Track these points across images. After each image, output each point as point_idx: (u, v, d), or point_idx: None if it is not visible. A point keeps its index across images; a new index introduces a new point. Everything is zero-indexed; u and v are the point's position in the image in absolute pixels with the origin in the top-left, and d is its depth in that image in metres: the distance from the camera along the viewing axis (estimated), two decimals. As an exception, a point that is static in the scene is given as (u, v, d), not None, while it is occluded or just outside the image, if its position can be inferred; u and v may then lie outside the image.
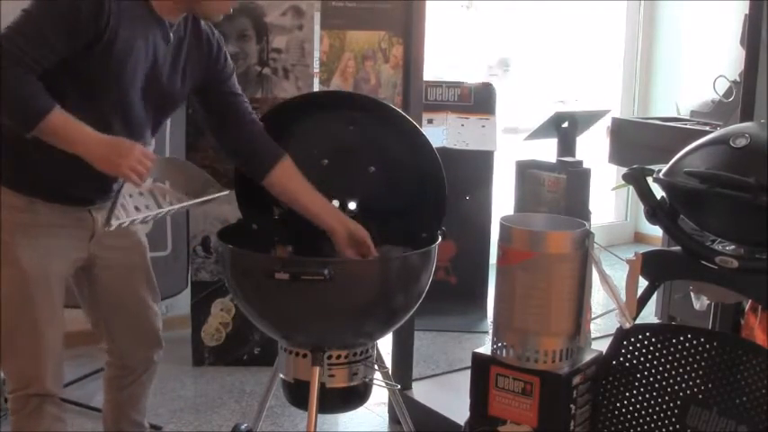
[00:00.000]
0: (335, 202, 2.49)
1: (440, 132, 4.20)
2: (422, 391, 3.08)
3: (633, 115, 5.53)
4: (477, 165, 4.27)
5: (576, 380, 2.05)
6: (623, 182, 2.45)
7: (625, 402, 2.13)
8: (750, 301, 2.33)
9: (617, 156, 3.87)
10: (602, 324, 3.29)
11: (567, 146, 3.79)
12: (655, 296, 2.46)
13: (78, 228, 2.18)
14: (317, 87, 3.63)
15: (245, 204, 2.48)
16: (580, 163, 3.56)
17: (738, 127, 2.15)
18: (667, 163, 2.14)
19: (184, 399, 3.34)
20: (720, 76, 3.81)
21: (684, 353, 2.06)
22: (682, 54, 5.50)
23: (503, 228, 2.07)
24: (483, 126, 4.29)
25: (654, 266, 2.17)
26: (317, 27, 3.56)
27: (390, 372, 2.61)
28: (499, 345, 2.09)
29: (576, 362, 2.07)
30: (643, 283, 2.17)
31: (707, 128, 3.57)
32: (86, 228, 2.19)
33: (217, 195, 2.21)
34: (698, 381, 2.04)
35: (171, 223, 3.61)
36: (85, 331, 2.49)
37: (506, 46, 5.29)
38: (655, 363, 2.10)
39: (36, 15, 1.93)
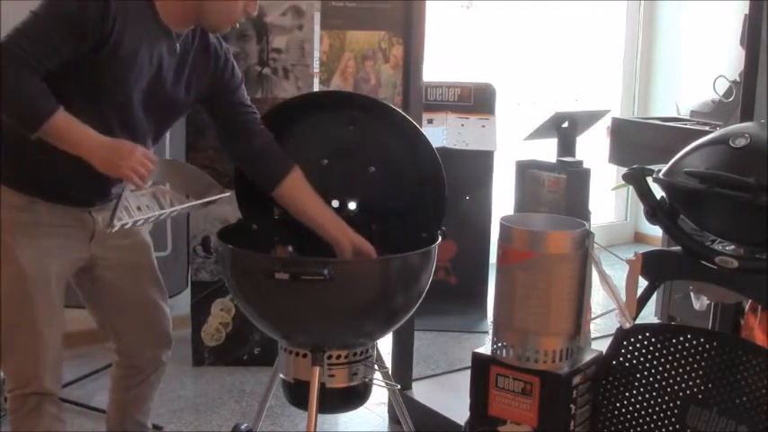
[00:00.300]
0: (335, 203, 2.49)
1: (440, 132, 4.20)
2: (422, 391, 3.08)
3: (633, 115, 5.53)
4: (477, 165, 4.27)
5: (576, 380, 2.05)
6: (623, 182, 2.45)
7: (625, 402, 2.13)
8: (750, 301, 2.33)
9: (617, 156, 3.87)
10: (602, 324, 3.29)
11: (566, 146, 3.79)
12: (655, 296, 2.46)
13: (79, 228, 2.18)
14: (317, 87, 3.63)
15: (245, 204, 2.48)
16: (580, 163, 3.56)
17: (738, 127, 2.15)
18: (667, 163, 2.14)
19: (184, 399, 3.34)
20: (720, 76, 3.82)
21: (684, 353, 2.06)
22: (682, 54, 5.50)
23: (503, 228, 2.07)
24: (483, 126, 4.29)
25: (654, 266, 2.17)
26: (316, 27, 3.56)
27: (390, 372, 2.61)
28: (499, 345, 2.09)
29: (576, 362, 2.07)
30: (643, 283, 2.17)
31: (707, 128, 3.57)
32: (87, 228, 2.19)
33: (218, 197, 2.21)
34: (698, 381, 2.04)
35: (171, 223, 3.61)
36: (85, 331, 2.50)
37: (506, 46, 5.29)
38: (655, 363, 2.10)
39: (42, 17, 1.93)
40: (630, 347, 2.13)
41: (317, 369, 2.19)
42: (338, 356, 2.24)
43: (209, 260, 3.57)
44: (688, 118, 4.01)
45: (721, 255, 2.04)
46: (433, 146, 2.34)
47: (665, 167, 2.13)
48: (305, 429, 2.25)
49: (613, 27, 5.73)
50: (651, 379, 2.10)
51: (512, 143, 4.46)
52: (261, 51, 3.46)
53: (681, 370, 2.06)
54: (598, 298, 2.65)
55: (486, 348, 2.14)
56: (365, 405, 2.42)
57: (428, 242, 2.27)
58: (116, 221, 2.00)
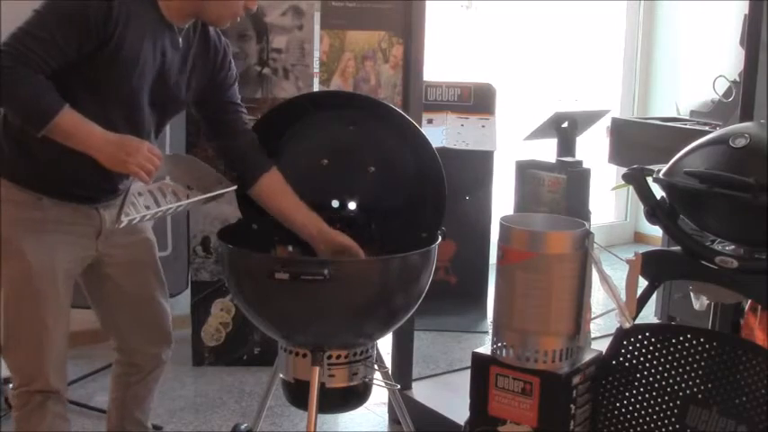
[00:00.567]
0: (335, 203, 2.49)
1: (440, 132, 4.20)
2: (422, 391, 3.08)
3: (633, 115, 5.53)
4: (477, 165, 4.27)
5: (576, 380, 2.05)
6: (623, 182, 2.45)
7: (625, 402, 2.13)
8: (750, 301, 2.33)
9: (617, 156, 3.87)
10: (602, 324, 3.30)
11: (566, 146, 3.79)
12: (655, 296, 2.46)
13: (86, 225, 2.18)
14: (317, 87, 3.63)
15: (245, 204, 2.48)
16: (580, 163, 3.57)
17: (738, 127, 2.15)
18: (667, 163, 2.14)
19: (184, 399, 3.34)
20: (720, 76, 3.82)
21: (684, 353, 2.06)
22: (682, 54, 5.50)
23: (503, 228, 2.07)
24: (483, 126, 4.29)
25: (654, 266, 2.17)
26: (316, 27, 3.56)
27: (390, 372, 2.61)
28: (499, 345, 2.09)
29: (575, 362, 2.07)
30: (643, 283, 2.17)
31: (707, 128, 3.57)
32: (94, 225, 2.20)
33: (225, 191, 2.21)
34: (698, 381, 2.04)
35: (171, 223, 3.61)
36: (86, 331, 2.50)
37: (506, 46, 5.29)
38: (655, 363, 2.10)
39: (46, 16, 1.94)
40: (630, 347, 2.13)
41: (317, 369, 2.19)
42: (338, 356, 2.24)
43: (209, 260, 3.57)
44: (688, 118, 4.01)
45: (721, 255, 2.04)
46: (433, 146, 2.34)
47: (665, 167, 2.13)
48: (305, 429, 2.25)
49: (613, 27, 5.73)
50: (651, 379, 2.10)
51: (512, 143, 4.47)
52: (261, 51, 3.46)
53: (681, 370, 2.06)
54: (598, 298, 2.65)
55: (485, 348, 2.14)
56: (365, 405, 2.42)
57: (428, 242, 2.27)
58: (123, 217, 2.00)
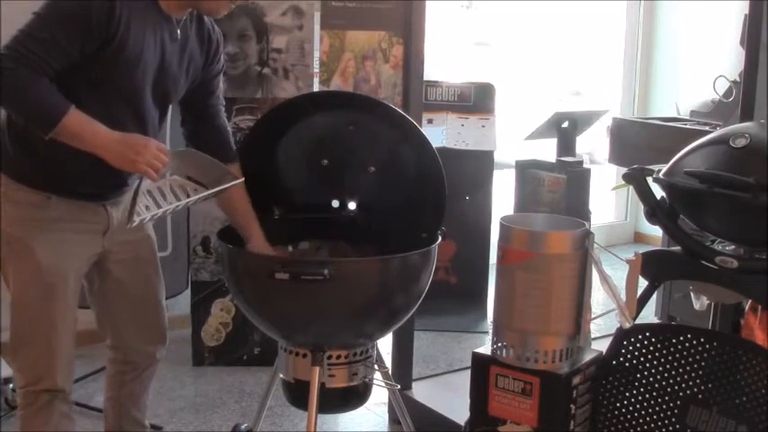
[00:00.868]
0: (335, 203, 2.49)
1: (440, 132, 4.20)
2: (422, 391, 3.08)
3: (633, 115, 5.53)
4: (477, 165, 4.27)
5: (576, 380, 2.05)
6: (623, 182, 2.45)
7: (625, 402, 2.13)
8: (750, 301, 2.33)
9: (617, 156, 3.87)
10: (602, 324, 3.29)
11: (566, 146, 3.80)
12: (655, 296, 2.46)
13: (93, 223, 2.19)
14: (317, 87, 3.63)
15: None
16: (580, 163, 3.57)
17: (738, 127, 2.15)
18: (667, 163, 2.14)
19: (184, 399, 3.34)
20: (720, 76, 3.82)
21: (684, 353, 2.06)
22: (682, 54, 5.50)
23: (503, 228, 2.07)
24: (483, 126, 4.29)
25: (654, 266, 2.17)
26: (316, 27, 3.56)
27: (390, 372, 2.61)
28: (499, 345, 2.09)
29: (575, 362, 2.07)
30: (643, 283, 2.17)
31: (707, 128, 3.57)
32: (101, 223, 2.20)
33: (232, 184, 2.21)
34: (698, 381, 2.04)
35: (171, 223, 3.61)
36: (86, 331, 2.49)
37: (506, 46, 5.29)
38: (655, 363, 2.10)
39: (47, 18, 1.94)
40: (630, 347, 2.13)
41: (317, 369, 2.19)
42: (338, 356, 2.24)
43: (209, 260, 3.57)
44: (688, 118, 4.01)
45: (721, 255, 2.04)
46: (433, 146, 2.34)
47: (665, 167, 2.13)
48: (305, 429, 2.25)
49: (613, 27, 5.74)
50: (651, 379, 2.10)
51: (511, 143, 4.47)
52: (261, 51, 3.46)
53: (681, 370, 2.06)
54: (598, 298, 2.64)
55: (485, 348, 2.14)
56: (365, 405, 2.42)
57: (428, 242, 2.27)
58: (135, 217, 2.00)
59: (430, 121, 4.21)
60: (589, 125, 4.02)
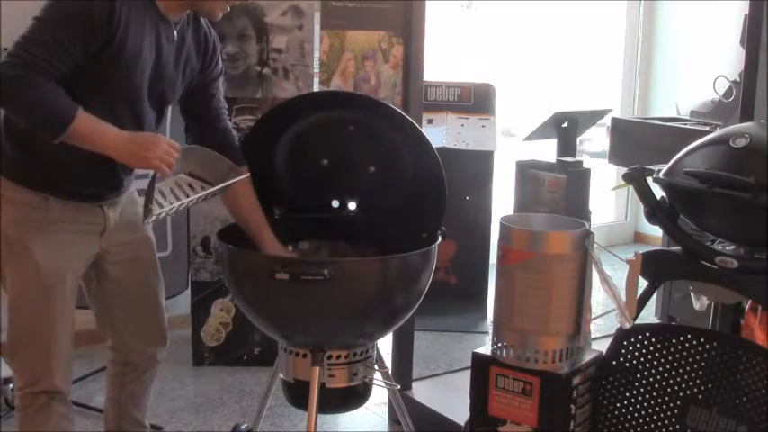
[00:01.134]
0: (335, 203, 2.49)
1: (440, 132, 4.20)
2: (422, 391, 3.08)
3: (633, 115, 5.53)
4: (477, 165, 4.27)
5: (576, 380, 2.05)
6: (623, 182, 2.45)
7: (625, 402, 2.13)
8: (750, 301, 2.33)
9: (617, 156, 3.87)
10: (602, 324, 3.30)
11: (566, 146, 3.79)
12: (655, 296, 2.46)
13: (90, 224, 2.19)
14: (317, 87, 3.63)
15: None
16: (580, 163, 3.57)
17: (738, 127, 2.15)
18: (667, 163, 2.14)
19: (184, 399, 3.34)
20: (720, 76, 3.82)
21: (684, 353, 2.06)
22: (682, 54, 5.50)
23: (503, 228, 2.07)
24: (483, 126, 4.29)
25: (654, 266, 2.17)
26: (317, 27, 3.56)
27: (390, 372, 2.61)
28: (499, 345, 2.09)
29: (576, 362, 2.07)
30: (643, 283, 2.17)
31: (707, 128, 3.57)
32: (98, 223, 2.20)
33: (239, 179, 2.21)
34: (698, 381, 2.04)
35: (171, 223, 3.61)
36: (86, 331, 2.49)
37: (506, 46, 5.29)
38: (655, 363, 2.10)
39: (48, 21, 1.94)
40: (630, 347, 2.13)
41: (317, 369, 2.19)
42: (338, 356, 2.24)
43: (209, 260, 3.57)
44: (688, 118, 4.01)
45: (721, 255, 2.04)
46: (433, 146, 2.34)
47: (665, 167, 2.13)
48: (305, 429, 2.25)
49: (613, 27, 5.73)
50: (651, 379, 2.10)
51: (511, 143, 4.47)
52: (261, 51, 3.46)
53: (681, 370, 2.06)
54: (598, 298, 2.65)
55: (485, 348, 2.14)
56: (365, 405, 2.42)
57: (428, 242, 2.27)
58: (154, 209, 2.01)
59: (430, 122, 4.21)
60: (589, 125, 4.02)
